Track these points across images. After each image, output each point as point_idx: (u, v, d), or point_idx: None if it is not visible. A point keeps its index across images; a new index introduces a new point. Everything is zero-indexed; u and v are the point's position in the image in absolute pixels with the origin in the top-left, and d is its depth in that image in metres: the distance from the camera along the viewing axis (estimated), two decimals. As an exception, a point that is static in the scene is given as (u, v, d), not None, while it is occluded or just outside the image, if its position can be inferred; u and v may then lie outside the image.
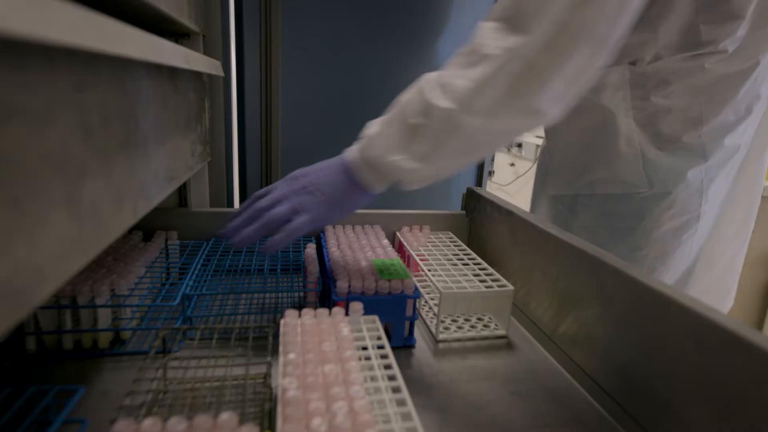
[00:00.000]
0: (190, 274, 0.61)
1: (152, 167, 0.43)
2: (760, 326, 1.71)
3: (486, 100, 0.45)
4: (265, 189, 0.57)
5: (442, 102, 0.47)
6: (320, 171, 0.56)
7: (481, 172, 1.24)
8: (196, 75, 0.65)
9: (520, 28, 0.44)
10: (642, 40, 0.64)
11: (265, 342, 0.46)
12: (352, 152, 0.55)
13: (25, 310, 0.23)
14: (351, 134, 1.15)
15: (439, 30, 1.12)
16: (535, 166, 2.89)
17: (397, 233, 0.81)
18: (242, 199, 1.00)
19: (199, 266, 0.65)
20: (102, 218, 0.31)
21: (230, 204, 0.93)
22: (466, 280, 0.63)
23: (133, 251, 0.62)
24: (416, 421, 0.35)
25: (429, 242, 0.78)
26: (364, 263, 0.62)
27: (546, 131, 0.81)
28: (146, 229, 0.71)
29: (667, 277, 0.72)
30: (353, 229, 0.78)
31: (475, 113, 0.46)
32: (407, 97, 0.52)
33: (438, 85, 0.48)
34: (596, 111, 0.70)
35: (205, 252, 0.70)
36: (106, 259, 0.58)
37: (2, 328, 0.21)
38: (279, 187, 0.56)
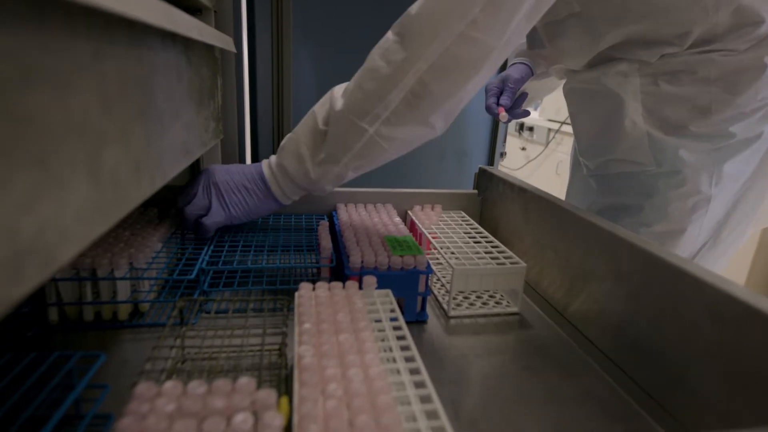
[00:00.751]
0: (206, 249, 0.62)
1: (168, 139, 0.43)
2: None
3: (382, 110, 0.53)
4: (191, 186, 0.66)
5: (338, 105, 0.56)
6: (238, 174, 0.65)
7: (493, 153, 1.23)
8: (209, 50, 0.65)
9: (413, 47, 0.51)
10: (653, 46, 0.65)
11: (279, 314, 0.46)
12: (266, 163, 0.64)
13: (51, 269, 0.23)
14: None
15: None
16: (547, 149, 2.86)
17: (409, 212, 0.81)
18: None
19: (214, 242, 0.65)
20: (121, 185, 0.32)
21: (243, 183, 0.93)
22: (479, 258, 0.63)
23: (150, 226, 0.63)
24: (430, 389, 0.35)
25: (441, 221, 0.78)
26: (376, 239, 0.62)
27: (570, 116, 0.83)
28: (161, 205, 0.72)
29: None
30: (365, 207, 0.78)
31: (369, 121, 0.54)
32: (318, 107, 0.60)
33: (341, 95, 0.57)
34: (607, 95, 0.71)
35: (220, 229, 0.70)
36: (124, 234, 0.59)
37: (30, 285, 0.22)
38: (200, 189, 0.64)
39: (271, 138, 0.97)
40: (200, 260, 0.58)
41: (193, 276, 0.55)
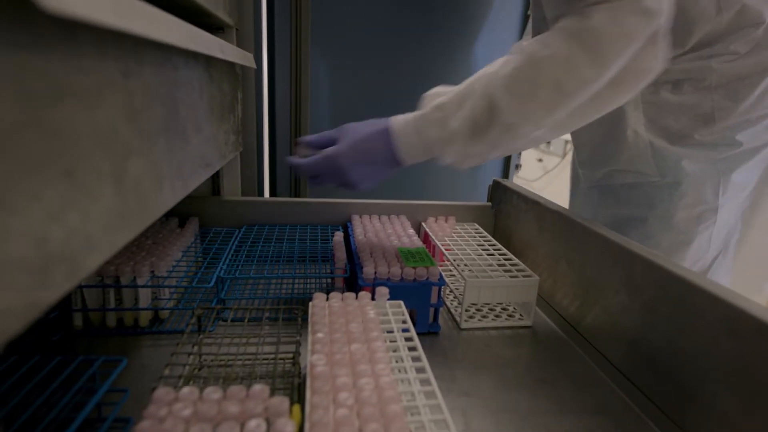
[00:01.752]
0: (223, 259, 0.64)
1: (189, 152, 0.45)
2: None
3: (549, 120, 0.51)
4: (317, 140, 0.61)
5: (508, 116, 0.51)
6: (363, 141, 0.58)
7: (508, 166, 1.23)
8: (230, 67, 0.68)
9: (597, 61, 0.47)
10: None
11: (294, 323, 0.47)
12: (400, 124, 0.57)
13: (78, 276, 0.25)
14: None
15: (474, 30, 1.12)
16: (564, 161, 2.83)
17: (423, 223, 0.82)
18: (272, 188, 1.03)
19: (231, 252, 0.67)
20: (145, 196, 0.33)
21: (260, 193, 0.95)
22: (492, 270, 0.63)
23: (171, 236, 0.65)
24: (440, 399, 0.36)
25: (454, 233, 0.79)
26: (390, 250, 0.63)
27: None
28: (181, 215, 0.74)
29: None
30: (379, 218, 0.79)
31: (531, 128, 0.52)
32: (471, 88, 0.54)
33: (506, 92, 0.50)
34: None
35: (237, 239, 0.72)
36: (146, 243, 0.61)
37: (59, 292, 0.23)
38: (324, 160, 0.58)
39: (289, 149, 0.99)
40: (218, 269, 0.60)
41: (211, 284, 0.56)
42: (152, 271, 0.56)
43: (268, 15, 0.94)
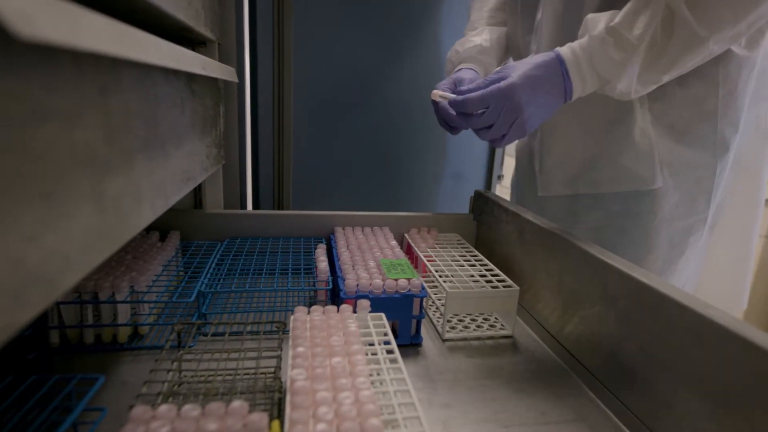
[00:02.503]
0: (204, 272, 0.63)
1: (170, 168, 0.45)
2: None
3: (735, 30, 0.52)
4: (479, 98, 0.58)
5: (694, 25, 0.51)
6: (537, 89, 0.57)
7: (491, 176, 1.25)
8: (212, 81, 0.68)
9: None
10: None
11: (275, 338, 0.47)
12: (570, 52, 0.56)
13: (54, 296, 0.25)
14: (362, 139, 1.18)
15: (441, 34, 1.14)
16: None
17: (406, 235, 0.82)
18: (255, 201, 1.03)
19: (213, 266, 0.67)
20: (124, 213, 0.33)
21: (243, 206, 0.95)
22: (473, 281, 0.64)
23: (151, 250, 0.64)
24: (419, 412, 0.36)
25: (437, 244, 0.80)
26: (372, 262, 0.63)
27: (541, 128, 0.77)
28: (162, 229, 0.74)
29: (676, 283, 0.71)
30: (362, 230, 0.79)
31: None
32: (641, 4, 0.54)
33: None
34: (609, 101, 0.65)
35: (219, 252, 0.72)
36: (126, 257, 0.60)
37: (33, 311, 0.23)
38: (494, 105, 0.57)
39: (272, 161, 1.00)
40: (199, 283, 0.59)
41: (192, 299, 0.56)
42: (132, 286, 0.55)
43: (250, 29, 0.94)
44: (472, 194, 0.90)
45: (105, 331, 0.55)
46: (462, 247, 0.79)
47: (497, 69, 0.60)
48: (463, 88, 0.61)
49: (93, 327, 0.54)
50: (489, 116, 0.58)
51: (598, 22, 0.56)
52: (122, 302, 0.54)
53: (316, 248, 0.73)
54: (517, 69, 0.57)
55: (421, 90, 1.12)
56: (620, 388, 0.48)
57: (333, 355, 0.42)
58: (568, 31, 0.65)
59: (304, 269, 0.69)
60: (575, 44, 0.57)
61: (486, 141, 0.61)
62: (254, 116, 0.97)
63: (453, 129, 0.66)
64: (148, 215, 0.39)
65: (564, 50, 0.57)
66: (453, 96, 0.60)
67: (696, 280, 0.75)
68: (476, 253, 0.75)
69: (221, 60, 0.78)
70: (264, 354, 0.46)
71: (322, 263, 0.66)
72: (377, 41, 1.09)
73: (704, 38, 0.53)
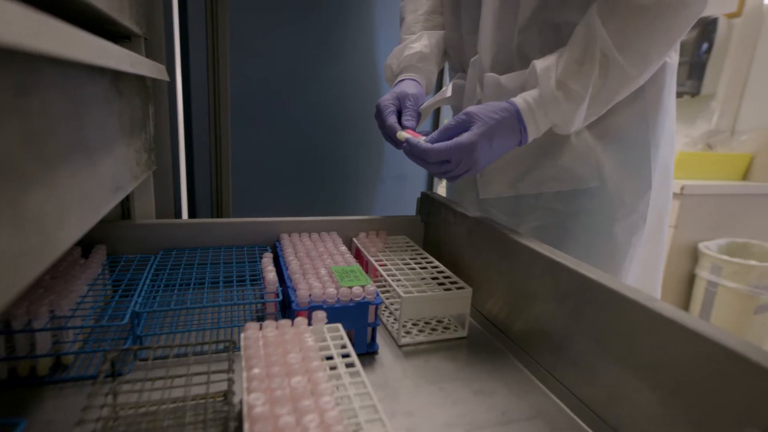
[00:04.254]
0: (138, 290, 0.57)
1: (97, 177, 0.40)
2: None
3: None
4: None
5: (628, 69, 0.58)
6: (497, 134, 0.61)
7: (432, 177, 1.27)
8: (140, 79, 0.62)
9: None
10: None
11: (224, 358, 0.44)
12: (526, 106, 0.61)
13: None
14: (306, 141, 1.14)
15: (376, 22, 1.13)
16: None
17: (354, 239, 0.81)
18: (191, 209, 0.96)
19: (147, 282, 0.61)
20: (47, 231, 0.29)
21: (178, 215, 0.89)
22: (425, 284, 0.64)
23: (73, 268, 0.57)
24: (388, 427, 0.35)
25: (386, 247, 0.79)
26: (323, 270, 0.61)
27: None
28: (85, 243, 0.66)
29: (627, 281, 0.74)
30: (310, 236, 0.77)
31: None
32: (580, 54, 0.59)
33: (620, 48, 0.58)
34: None
35: (153, 266, 0.66)
36: (44, 279, 0.53)
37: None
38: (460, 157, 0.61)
39: (209, 166, 0.94)
40: (133, 302, 0.54)
41: (125, 321, 0.51)
42: (52, 311, 0.49)
43: (180, 22, 0.88)
44: (418, 195, 0.90)
45: (21, 363, 0.48)
46: (411, 250, 0.78)
47: (461, 113, 0.63)
48: (426, 138, 0.64)
49: (6, 360, 0.47)
50: (447, 165, 0.62)
51: (549, 76, 0.61)
52: (41, 330, 0.47)
53: (261, 257, 0.69)
54: (478, 122, 0.61)
55: (361, 91, 1.11)
56: (575, 383, 0.50)
57: (291, 374, 0.39)
58: (507, 29, 0.69)
59: (250, 280, 0.65)
60: (528, 96, 0.62)
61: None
62: (188, 117, 0.90)
63: (398, 145, 0.69)
64: (74, 231, 0.34)
65: (519, 102, 0.62)
66: (417, 142, 0.64)
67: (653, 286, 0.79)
68: (426, 254, 0.75)
69: (148, 56, 0.71)
70: (213, 378, 0.42)
71: (270, 273, 0.63)
72: (319, 33, 1.06)
73: (635, 77, 0.60)
